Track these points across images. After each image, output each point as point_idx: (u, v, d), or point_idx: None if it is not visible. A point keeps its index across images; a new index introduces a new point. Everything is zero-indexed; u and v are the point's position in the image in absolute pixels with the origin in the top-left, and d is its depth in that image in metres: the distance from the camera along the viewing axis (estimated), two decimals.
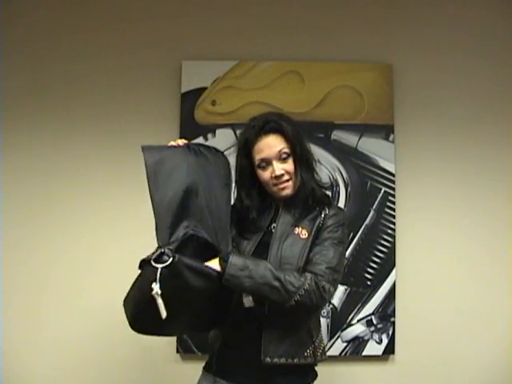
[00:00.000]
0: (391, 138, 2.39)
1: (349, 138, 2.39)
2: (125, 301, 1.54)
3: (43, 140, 2.42)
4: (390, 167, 2.38)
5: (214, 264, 1.47)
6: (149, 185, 1.51)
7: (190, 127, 2.38)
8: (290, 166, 1.60)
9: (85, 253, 2.37)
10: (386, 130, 2.39)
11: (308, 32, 2.47)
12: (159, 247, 1.43)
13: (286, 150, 1.59)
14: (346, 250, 2.30)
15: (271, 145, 1.58)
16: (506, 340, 2.34)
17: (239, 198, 1.66)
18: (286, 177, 1.59)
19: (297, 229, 1.59)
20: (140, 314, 1.47)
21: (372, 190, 2.38)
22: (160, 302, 1.38)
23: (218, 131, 2.39)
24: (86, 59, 2.45)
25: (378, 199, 2.37)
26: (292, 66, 2.42)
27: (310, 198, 1.61)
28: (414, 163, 2.42)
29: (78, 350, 2.33)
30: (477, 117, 2.44)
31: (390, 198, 2.37)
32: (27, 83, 2.44)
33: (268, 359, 1.51)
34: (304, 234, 1.58)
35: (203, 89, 2.40)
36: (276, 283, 1.45)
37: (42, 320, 2.34)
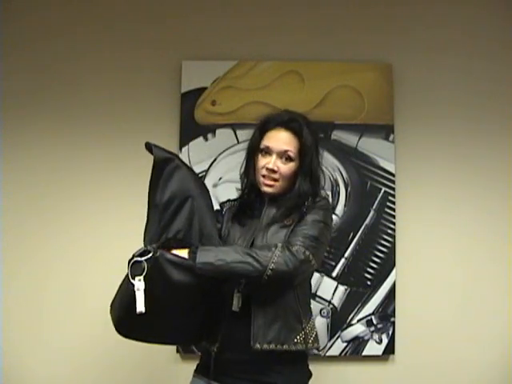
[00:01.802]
0: (391, 138, 2.39)
1: (349, 138, 2.39)
2: (111, 305, 1.56)
3: (43, 140, 2.42)
4: (390, 167, 2.38)
5: (184, 254, 1.48)
6: (151, 182, 1.54)
7: (190, 127, 2.39)
8: (286, 168, 1.60)
9: (85, 252, 2.37)
10: (386, 130, 2.39)
11: (308, 32, 2.47)
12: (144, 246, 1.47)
13: (292, 154, 1.60)
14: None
15: (282, 140, 1.60)
16: (506, 340, 2.34)
17: (245, 172, 1.69)
18: (276, 175, 1.60)
19: (283, 218, 1.60)
20: (125, 315, 1.48)
21: (372, 189, 2.38)
22: (138, 295, 1.39)
23: (217, 131, 2.39)
24: (85, 59, 2.45)
25: (378, 199, 2.37)
26: (292, 66, 2.42)
27: (299, 205, 1.60)
28: (414, 163, 2.42)
29: (78, 350, 2.33)
30: (477, 117, 2.44)
31: (390, 197, 2.37)
32: (27, 83, 2.44)
33: (258, 345, 1.50)
34: (288, 220, 1.59)
35: (203, 89, 2.40)
36: (248, 258, 1.46)
37: (42, 320, 2.34)
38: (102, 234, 2.38)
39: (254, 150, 1.65)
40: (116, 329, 1.54)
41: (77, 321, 2.34)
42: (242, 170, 1.71)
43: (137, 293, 1.39)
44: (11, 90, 2.42)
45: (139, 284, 1.40)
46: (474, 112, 2.44)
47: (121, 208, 2.38)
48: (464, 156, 2.43)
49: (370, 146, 2.39)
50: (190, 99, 2.39)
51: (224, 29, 2.46)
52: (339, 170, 2.39)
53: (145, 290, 1.40)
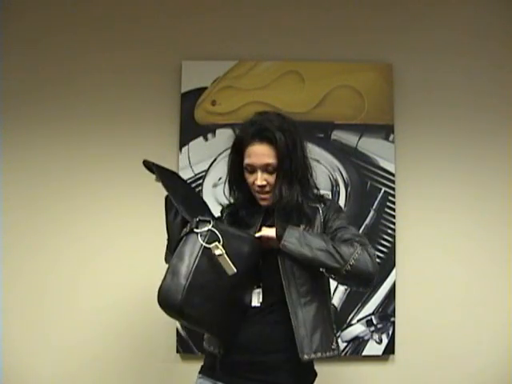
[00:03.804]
0: (391, 138, 2.39)
1: (349, 138, 2.39)
2: (160, 292, 1.46)
3: (43, 140, 2.42)
4: (390, 167, 2.38)
5: (271, 231, 1.53)
6: (165, 184, 1.55)
7: (190, 127, 2.39)
8: (273, 179, 1.60)
9: (85, 253, 2.37)
10: (386, 130, 2.39)
11: (308, 32, 2.47)
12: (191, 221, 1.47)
13: (273, 165, 1.58)
14: None
15: (260, 154, 1.58)
16: (506, 340, 2.34)
17: (230, 193, 1.70)
18: (268, 188, 1.60)
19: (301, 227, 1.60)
20: (193, 289, 1.42)
21: (372, 189, 2.38)
22: (222, 259, 1.41)
23: (217, 131, 2.39)
24: (85, 59, 2.45)
25: (378, 199, 2.37)
26: (292, 65, 2.42)
27: (294, 211, 1.60)
28: (414, 163, 2.42)
29: (78, 350, 2.32)
30: (477, 117, 2.44)
31: (390, 198, 2.37)
32: (27, 83, 2.44)
33: (306, 356, 1.52)
34: (308, 229, 1.59)
35: (203, 89, 2.40)
36: (332, 249, 1.50)
37: (42, 320, 2.34)
38: (102, 234, 2.38)
39: (241, 169, 1.64)
40: (180, 313, 1.44)
41: (77, 320, 2.34)
42: (229, 188, 1.70)
43: (220, 258, 1.41)
44: (11, 90, 2.42)
45: (218, 250, 1.42)
46: (474, 112, 2.44)
47: (121, 208, 2.38)
48: (464, 156, 2.43)
49: (370, 146, 2.39)
50: (190, 99, 2.39)
51: (224, 29, 2.46)
52: (339, 169, 2.39)
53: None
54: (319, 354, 1.54)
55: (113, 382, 2.32)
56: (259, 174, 1.59)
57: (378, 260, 1.56)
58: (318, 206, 1.64)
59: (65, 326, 2.34)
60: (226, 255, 1.42)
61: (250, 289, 1.58)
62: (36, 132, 2.43)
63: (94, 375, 2.32)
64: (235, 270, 1.42)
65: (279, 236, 1.52)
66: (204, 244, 1.43)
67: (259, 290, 1.58)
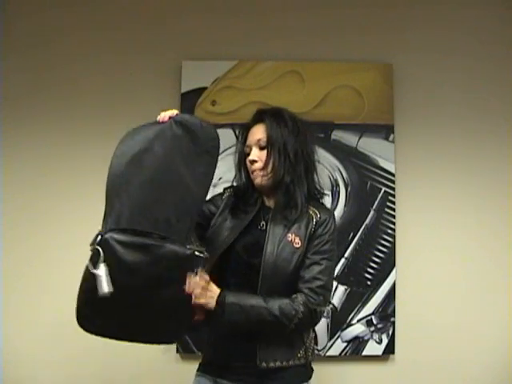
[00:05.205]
0: (391, 137, 2.39)
1: (349, 138, 2.39)
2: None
3: (43, 140, 2.42)
4: (390, 167, 2.38)
5: (211, 300, 1.50)
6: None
7: None
8: (264, 154, 1.63)
9: (85, 253, 2.36)
10: (385, 130, 2.39)
11: (308, 32, 2.47)
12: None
13: (263, 139, 1.63)
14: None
15: (254, 133, 1.66)
16: (507, 340, 2.34)
17: (237, 178, 1.73)
18: (259, 164, 1.63)
19: (289, 235, 1.58)
20: (84, 304, 1.55)
21: (372, 189, 2.38)
22: (100, 279, 1.42)
23: (217, 131, 2.38)
24: (85, 59, 2.45)
25: (378, 199, 2.37)
26: (292, 65, 2.42)
27: (284, 191, 1.61)
28: (414, 163, 2.42)
29: (77, 350, 2.32)
30: (477, 117, 2.44)
31: (390, 197, 2.37)
32: (27, 83, 2.44)
33: (264, 364, 1.54)
34: (297, 242, 1.58)
35: (203, 89, 2.40)
36: (271, 318, 1.50)
37: (41, 320, 2.34)
38: None
39: (245, 158, 1.69)
40: (77, 321, 1.58)
41: (76, 321, 2.33)
42: (237, 178, 1.73)
43: (98, 278, 1.41)
44: (11, 90, 2.42)
45: (100, 270, 1.42)
46: (474, 112, 2.44)
47: None
48: (464, 156, 2.43)
49: (370, 146, 2.39)
50: (190, 99, 2.39)
51: (224, 29, 2.47)
52: (339, 169, 2.39)
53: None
54: (278, 363, 1.54)
55: (113, 382, 2.32)
56: (253, 150, 1.64)
57: (322, 311, 1.57)
58: (314, 215, 1.61)
59: (64, 325, 2.33)
60: (104, 276, 1.41)
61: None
62: (36, 132, 2.43)
63: (93, 375, 2.32)
64: (105, 291, 1.41)
65: (219, 310, 1.50)
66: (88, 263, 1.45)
67: None
